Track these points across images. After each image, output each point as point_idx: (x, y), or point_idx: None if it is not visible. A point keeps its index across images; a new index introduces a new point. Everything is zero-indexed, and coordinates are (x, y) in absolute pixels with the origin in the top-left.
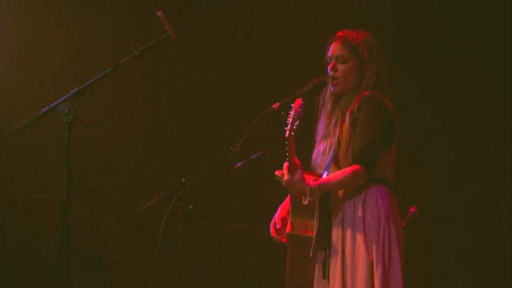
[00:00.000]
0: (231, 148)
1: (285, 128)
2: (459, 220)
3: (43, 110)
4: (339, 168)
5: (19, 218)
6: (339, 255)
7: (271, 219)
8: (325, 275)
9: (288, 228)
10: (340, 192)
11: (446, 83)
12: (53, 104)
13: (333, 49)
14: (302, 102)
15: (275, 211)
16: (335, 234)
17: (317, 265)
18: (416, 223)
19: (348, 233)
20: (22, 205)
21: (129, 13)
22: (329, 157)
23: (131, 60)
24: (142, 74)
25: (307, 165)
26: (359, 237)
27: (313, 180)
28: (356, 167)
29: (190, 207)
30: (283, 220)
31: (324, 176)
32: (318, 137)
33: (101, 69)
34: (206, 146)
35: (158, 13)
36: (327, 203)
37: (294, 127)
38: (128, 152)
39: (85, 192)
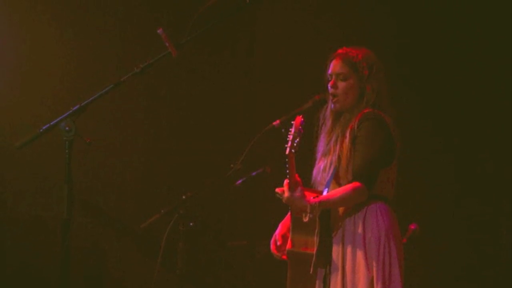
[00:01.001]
0: (232, 165)
1: (286, 145)
2: (459, 237)
3: (43, 127)
4: (340, 185)
5: (19, 235)
6: (340, 272)
7: (271, 236)
8: None
9: (288, 245)
10: (341, 209)
11: (446, 100)
12: (54, 121)
13: (334, 66)
14: (302, 119)
15: (276, 228)
16: (336, 251)
17: (317, 282)
18: (416, 240)
19: (349, 250)
20: (23, 222)
21: (129, 30)
22: (330, 174)
23: (131, 78)
24: (143, 92)
25: (307, 182)
26: (360, 254)
27: (314, 197)
28: (356, 184)
29: (191, 224)
30: (284, 237)
31: (325, 193)
32: (319, 155)
33: (102, 87)
34: (206, 163)
35: (159, 31)
36: (328, 220)
37: (295, 144)
38: (128, 169)
39: (86, 209)
